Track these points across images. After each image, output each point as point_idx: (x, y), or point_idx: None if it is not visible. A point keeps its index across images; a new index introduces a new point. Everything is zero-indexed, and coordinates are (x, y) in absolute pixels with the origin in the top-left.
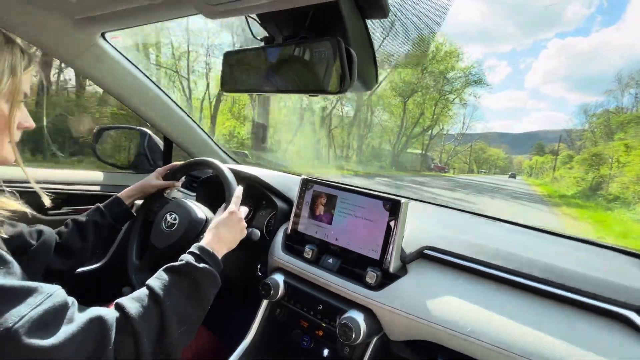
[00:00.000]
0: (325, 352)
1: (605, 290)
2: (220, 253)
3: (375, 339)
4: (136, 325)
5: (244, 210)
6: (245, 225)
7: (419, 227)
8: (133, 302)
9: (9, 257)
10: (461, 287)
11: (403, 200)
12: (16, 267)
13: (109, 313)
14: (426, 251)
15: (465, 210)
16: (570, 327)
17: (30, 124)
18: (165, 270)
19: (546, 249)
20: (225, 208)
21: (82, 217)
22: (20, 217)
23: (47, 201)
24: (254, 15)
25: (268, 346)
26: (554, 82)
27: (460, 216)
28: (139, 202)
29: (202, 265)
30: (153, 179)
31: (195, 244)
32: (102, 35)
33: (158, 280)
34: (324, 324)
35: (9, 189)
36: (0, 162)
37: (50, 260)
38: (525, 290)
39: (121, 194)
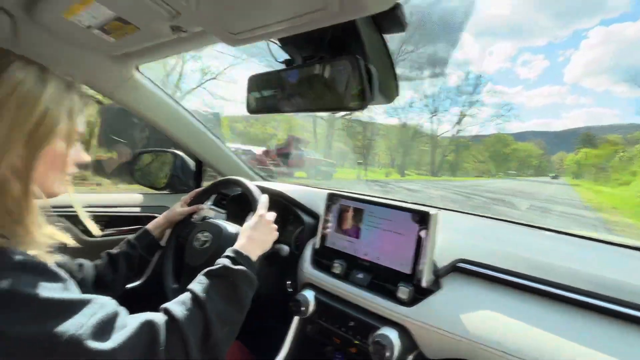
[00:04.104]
0: None
1: None
2: (254, 255)
3: (410, 357)
4: (183, 327)
5: (272, 214)
6: (275, 227)
7: (452, 238)
8: (178, 305)
9: (65, 275)
10: (500, 302)
11: (432, 211)
12: (71, 283)
13: (158, 317)
14: (460, 264)
15: (499, 218)
16: (629, 346)
17: (85, 159)
18: (205, 274)
19: (593, 258)
20: (254, 215)
21: (114, 250)
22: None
23: (94, 230)
24: (274, 40)
25: None
26: (597, 74)
27: (495, 225)
28: (169, 230)
29: (238, 267)
30: (178, 207)
31: (229, 248)
32: (137, 67)
33: (199, 284)
34: (356, 341)
35: (57, 214)
36: (55, 194)
37: (89, 292)
38: (572, 305)
39: (149, 226)
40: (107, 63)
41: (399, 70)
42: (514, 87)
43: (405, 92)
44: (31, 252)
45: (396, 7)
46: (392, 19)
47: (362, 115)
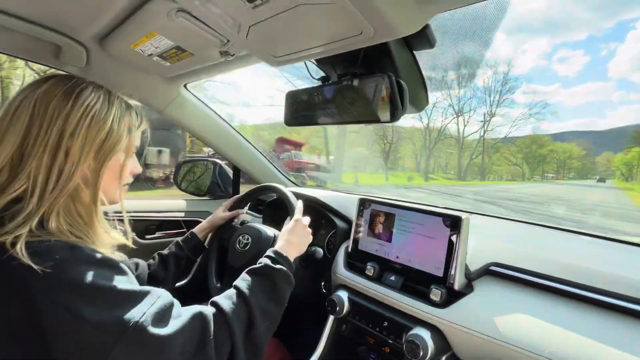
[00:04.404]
0: None
1: None
2: (292, 256)
3: (444, 358)
4: (230, 319)
5: (307, 219)
6: (311, 231)
7: (484, 242)
8: (225, 299)
9: (127, 269)
10: (533, 305)
11: (464, 215)
12: (133, 276)
13: (207, 309)
14: (492, 267)
15: (533, 223)
16: None
17: (139, 169)
18: (248, 273)
19: (631, 262)
20: (291, 219)
21: (165, 252)
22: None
23: (130, 234)
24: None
25: None
26: None
27: (528, 229)
28: (211, 234)
29: (278, 266)
30: (220, 212)
31: (270, 249)
32: (185, 86)
33: (243, 281)
34: (390, 341)
35: (114, 219)
36: (115, 201)
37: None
38: (608, 309)
39: (195, 229)
40: (160, 83)
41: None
42: (549, 85)
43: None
44: (99, 250)
45: (425, 27)
46: (421, 38)
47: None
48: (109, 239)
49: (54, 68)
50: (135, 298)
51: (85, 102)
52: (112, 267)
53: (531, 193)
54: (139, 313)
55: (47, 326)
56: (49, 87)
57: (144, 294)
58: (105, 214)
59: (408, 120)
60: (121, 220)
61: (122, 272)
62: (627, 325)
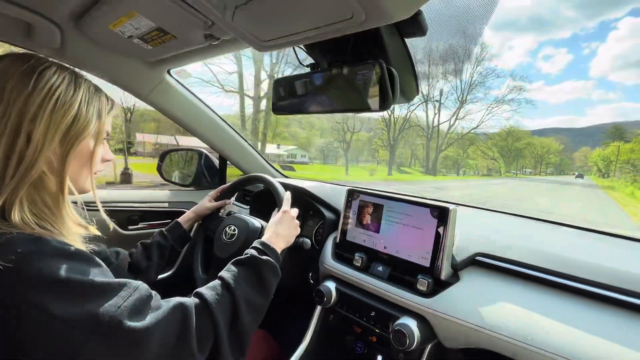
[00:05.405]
0: (379, 358)
1: None
2: (279, 247)
3: (429, 345)
4: (213, 311)
5: (295, 210)
6: (298, 222)
7: (470, 233)
8: (209, 290)
9: (101, 262)
10: (518, 295)
11: (452, 206)
12: (107, 269)
13: (189, 300)
14: (478, 257)
15: (519, 215)
16: None
17: (111, 157)
18: (234, 263)
19: (611, 253)
20: (279, 211)
21: (148, 241)
22: (106, 232)
23: (110, 224)
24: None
25: (323, 351)
26: (626, 68)
27: (514, 221)
28: (197, 224)
29: (264, 257)
30: (206, 202)
31: (257, 240)
32: (168, 71)
33: (228, 272)
34: (377, 330)
35: (94, 209)
36: (85, 190)
37: (124, 277)
38: (590, 298)
39: (180, 219)
40: (142, 68)
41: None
42: (533, 82)
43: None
44: (68, 241)
45: (418, 14)
46: (413, 25)
47: None
48: (79, 230)
49: (26, 49)
50: (109, 291)
51: (48, 83)
52: (83, 259)
53: (499, 191)
54: (114, 306)
55: (14, 324)
56: (5, 67)
57: (119, 287)
58: (78, 203)
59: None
60: (96, 211)
61: (93, 265)
62: (608, 312)
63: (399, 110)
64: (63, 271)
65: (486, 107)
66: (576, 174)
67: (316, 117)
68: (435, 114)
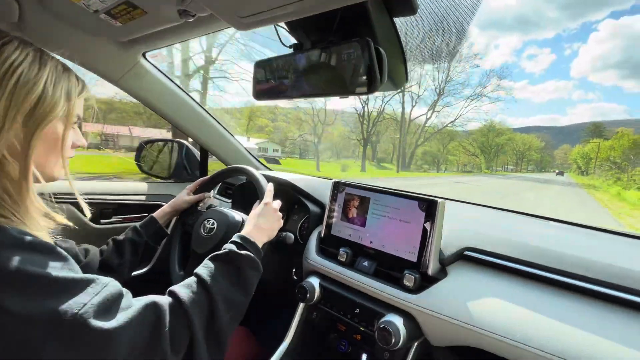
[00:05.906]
0: (364, 357)
1: None
2: (260, 241)
3: (416, 344)
4: (188, 310)
5: (278, 202)
6: (281, 215)
7: (459, 227)
8: (184, 288)
9: (67, 255)
10: (506, 290)
11: (440, 200)
12: (73, 263)
13: (162, 299)
14: (467, 252)
15: (507, 209)
16: (634, 330)
17: (83, 143)
18: (211, 259)
19: (599, 247)
20: (260, 202)
21: (120, 237)
22: (76, 225)
23: (87, 213)
24: (282, 24)
25: (306, 350)
26: (605, 69)
27: (503, 216)
28: (175, 219)
29: (244, 252)
30: (184, 196)
31: (236, 234)
32: (144, 55)
33: (205, 268)
34: (361, 328)
35: (63, 201)
36: (54, 178)
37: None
38: (578, 293)
39: (156, 214)
40: (113, 49)
41: None
42: (517, 81)
43: None
44: (31, 232)
45: None
46: (403, 1)
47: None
48: (43, 221)
49: None
50: (74, 287)
51: (9, 59)
52: (46, 251)
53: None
54: (78, 304)
55: None
56: None
57: (86, 283)
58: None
59: (349, 100)
60: (70, 203)
61: (58, 258)
62: (596, 307)
63: (373, 101)
64: (22, 263)
65: (464, 100)
66: (557, 171)
67: (293, 107)
68: (412, 107)
